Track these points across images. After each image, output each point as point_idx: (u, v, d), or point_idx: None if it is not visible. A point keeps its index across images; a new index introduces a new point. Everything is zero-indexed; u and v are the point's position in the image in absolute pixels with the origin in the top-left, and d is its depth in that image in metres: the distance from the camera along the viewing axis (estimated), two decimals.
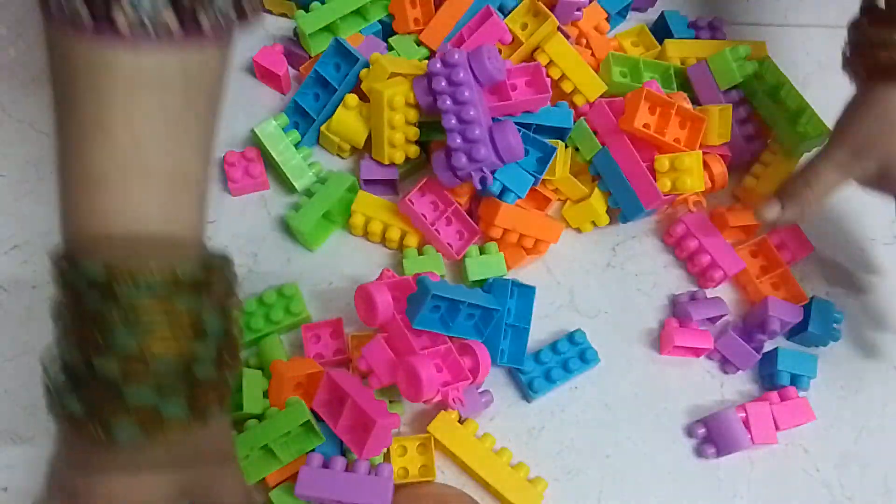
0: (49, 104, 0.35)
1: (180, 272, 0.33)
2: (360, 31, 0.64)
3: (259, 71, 0.63)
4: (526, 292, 0.54)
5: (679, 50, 0.64)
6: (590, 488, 0.52)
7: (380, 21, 0.64)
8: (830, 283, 0.60)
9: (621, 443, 0.53)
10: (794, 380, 0.55)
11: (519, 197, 0.55)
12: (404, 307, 0.49)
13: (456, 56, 0.53)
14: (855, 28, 0.51)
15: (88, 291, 0.32)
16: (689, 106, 0.59)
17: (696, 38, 0.67)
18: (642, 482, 0.52)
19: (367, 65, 0.59)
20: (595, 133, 0.58)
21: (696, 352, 0.55)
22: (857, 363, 0.57)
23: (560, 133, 0.59)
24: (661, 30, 0.68)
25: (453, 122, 0.53)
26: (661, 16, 0.68)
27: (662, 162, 0.55)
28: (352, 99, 0.58)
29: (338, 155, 0.61)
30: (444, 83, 0.53)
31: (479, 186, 0.53)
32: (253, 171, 0.59)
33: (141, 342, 0.32)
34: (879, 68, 0.48)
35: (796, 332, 0.57)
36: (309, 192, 0.58)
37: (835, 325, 0.56)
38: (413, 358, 0.47)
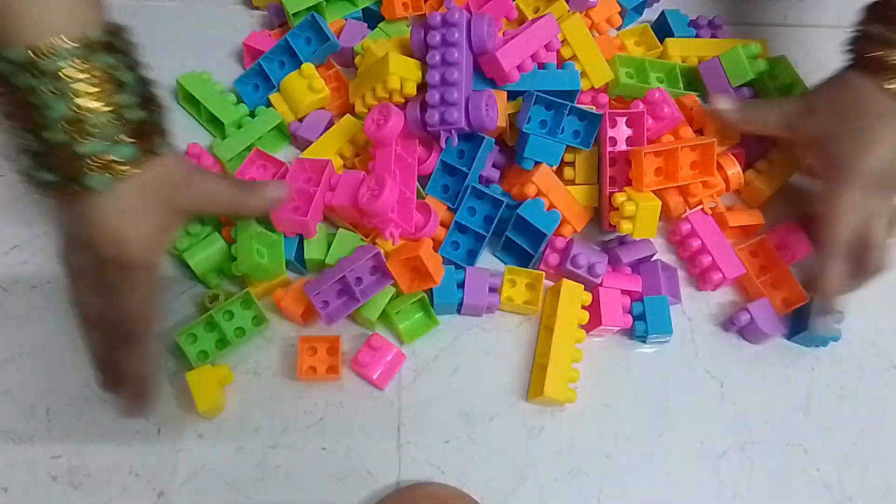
0: None
1: (91, 35, 0.40)
2: (344, 17, 0.64)
3: (250, 54, 0.63)
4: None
5: (680, 49, 0.64)
6: (590, 488, 0.52)
7: (364, 8, 0.65)
8: None
9: (621, 443, 0.53)
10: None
11: (552, 166, 0.56)
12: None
13: (456, 16, 0.53)
14: (863, 17, 0.53)
15: (18, 74, 0.38)
16: (699, 102, 0.59)
17: (697, 36, 0.67)
18: (642, 482, 0.52)
19: (337, 47, 0.60)
20: None
21: (629, 294, 0.56)
22: (857, 363, 0.57)
23: (568, 96, 0.57)
24: (661, 28, 0.68)
25: (437, 78, 0.54)
26: (662, 14, 0.68)
27: (616, 198, 0.54)
28: (308, 68, 0.59)
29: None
30: (438, 38, 0.54)
31: (443, 146, 0.55)
32: (205, 164, 0.58)
33: (73, 104, 0.39)
34: (864, 60, 0.52)
35: (796, 332, 0.57)
36: (238, 124, 0.60)
37: (835, 325, 0.57)
38: (387, 174, 0.52)
